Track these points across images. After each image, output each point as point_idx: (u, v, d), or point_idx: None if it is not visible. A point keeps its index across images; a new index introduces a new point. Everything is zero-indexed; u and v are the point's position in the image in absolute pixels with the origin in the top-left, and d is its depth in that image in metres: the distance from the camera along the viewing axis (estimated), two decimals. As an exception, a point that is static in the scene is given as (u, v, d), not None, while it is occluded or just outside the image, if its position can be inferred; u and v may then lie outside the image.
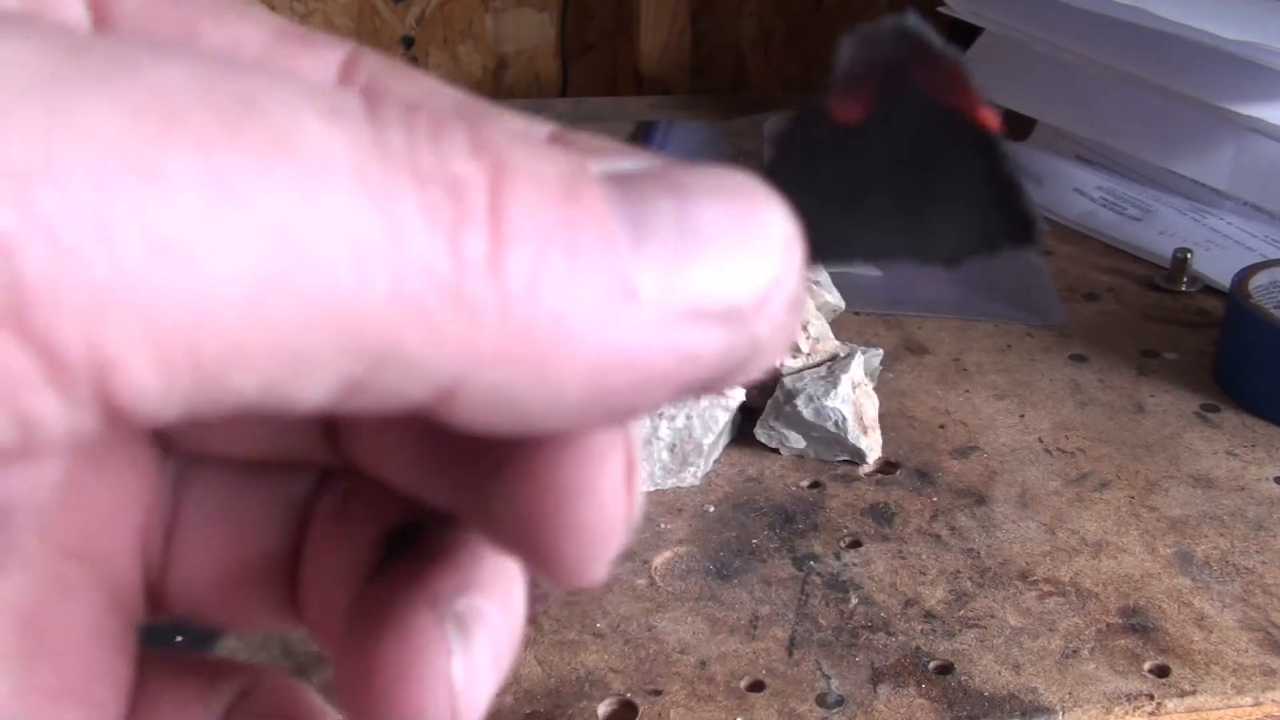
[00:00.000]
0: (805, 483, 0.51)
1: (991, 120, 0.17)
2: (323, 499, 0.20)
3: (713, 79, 1.12)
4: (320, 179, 0.12)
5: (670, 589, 0.45)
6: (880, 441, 0.53)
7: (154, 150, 0.11)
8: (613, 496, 0.16)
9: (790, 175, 0.17)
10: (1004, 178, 0.17)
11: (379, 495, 0.19)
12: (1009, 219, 0.17)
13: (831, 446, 0.52)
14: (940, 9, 0.83)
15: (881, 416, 0.53)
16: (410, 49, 1.06)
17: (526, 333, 0.13)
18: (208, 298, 0.11)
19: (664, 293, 0.14)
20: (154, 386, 0.11)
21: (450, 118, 0.14)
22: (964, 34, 0.86)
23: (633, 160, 0.15)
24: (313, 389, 0.13)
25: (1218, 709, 0.40)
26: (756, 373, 0.15)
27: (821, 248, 0.16)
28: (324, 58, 0.17)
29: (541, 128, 0.17)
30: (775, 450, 0.53)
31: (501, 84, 1.09)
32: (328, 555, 0.19)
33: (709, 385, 0.15)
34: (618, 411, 0.14)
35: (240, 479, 0.20)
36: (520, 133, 0.15)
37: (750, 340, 0.14)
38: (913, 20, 0.17)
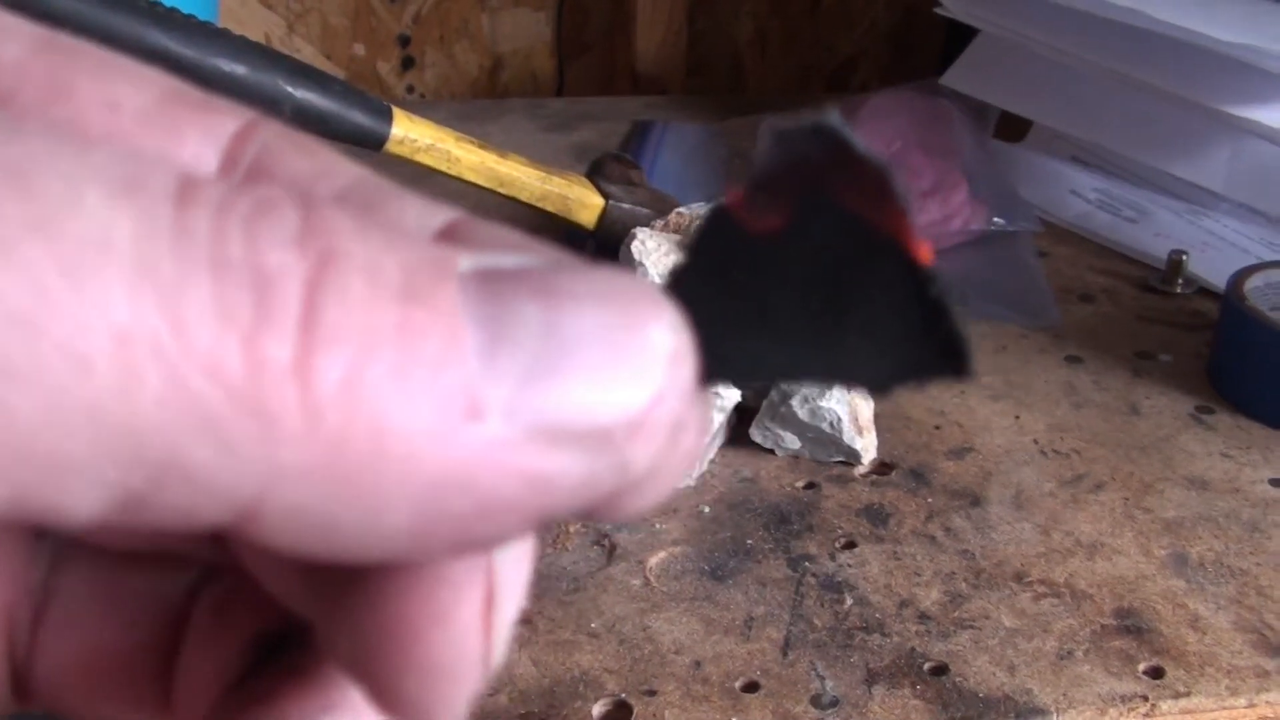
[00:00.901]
0: (800, 483, 0.51)
1: (920, 247, 0.15)
2: (203, 596, 0.18)
3: (709, 79, 1.12)
4: (88, 263, 0.11)
5: (665, 589, 0.45)
6: (875, 442, 0.53)
7: None
8: (466, 633, 0.14)
9: (696, 285, 0.15)
10: (932, 304, 0.15)
11: (259, 598, 0.18)
12: (938, 347, 0.16)
13: (827, 447, 0.52)
14: (936, 10, 0.83)
15: (877, 417, 0.53)
16: (406, 48, 1.06)
17: (339, 447, 0.12)
18: None
19: (514, 410, 0.12)
20: None
21: (283, 200, 0.12)
22: (960, 35, 0.86)
23: (518, 257, 0.13)
24: (79, 501, 0.11)
25: (1212, 710, 0.40)
26: (641, 503, 0.14)
27: (725, 364, 0.15)
28: (214, 126, 0.16)
29: (439, 215, 0.15)
30: (770, 451, 0.53)
31: (497, 83, 1.09)
32: (199, 656, 0.18)
33: (575, 515, 0.13)
34: (457, 541, 0.13)
35: (118, 569, 0.18)
36: (386, 221, 0.13)
37: (619, 466, 0.13)
38: (835, 119, 0.15)
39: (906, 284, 0.15)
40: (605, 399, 0.13)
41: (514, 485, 0.12)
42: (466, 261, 0.13)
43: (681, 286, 0.15)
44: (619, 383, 0.13)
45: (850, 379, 0.16)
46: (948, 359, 0.16)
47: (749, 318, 0.15)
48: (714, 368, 0.15)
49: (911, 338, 0.15)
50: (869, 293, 0.15)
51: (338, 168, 0.16)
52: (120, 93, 0.15)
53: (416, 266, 0.12)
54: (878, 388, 0.16)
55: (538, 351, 0.12)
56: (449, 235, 0.15)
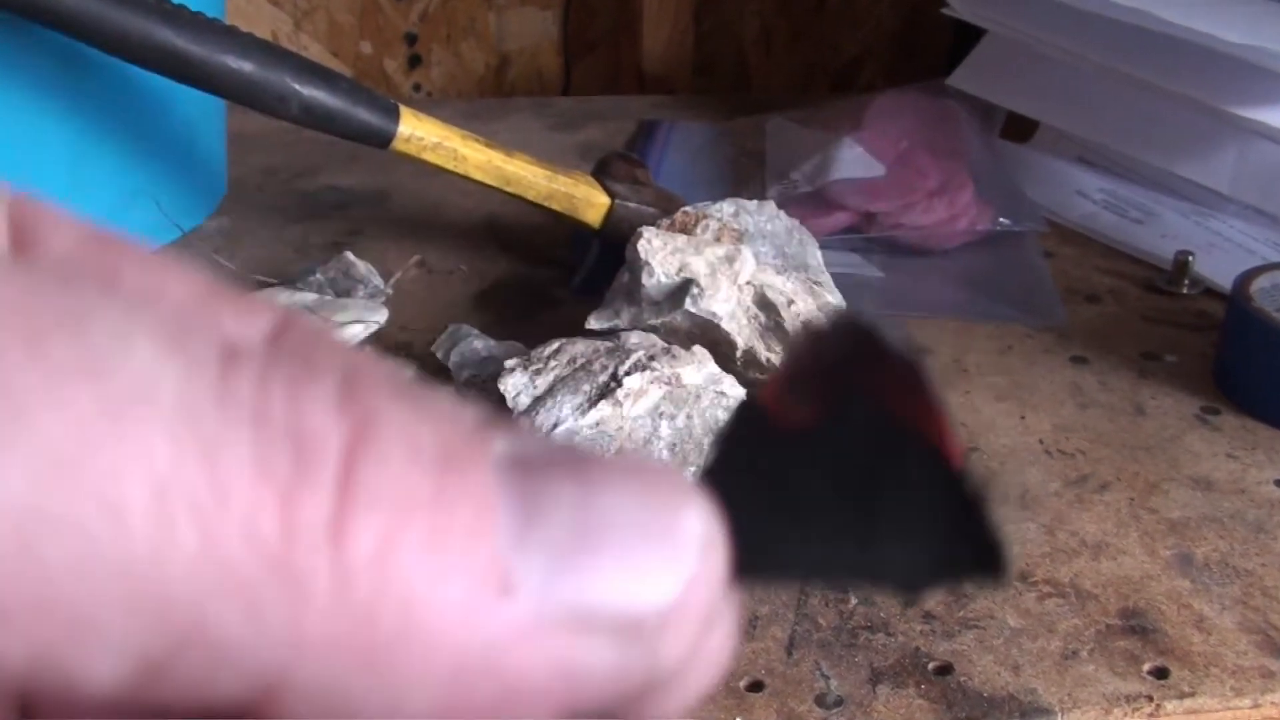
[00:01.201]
0: (805, 483, 0.51)
1: (954, 447, 0.15)
2: None
3: (715, 78, 1.12)
4: (132, 411, 0.11)
5: (670, 588, 0.45)
6: (881, 442, 0.53)
7: None
8: None
9: (727, 478, 0.15)
10: (967, 505, 0.15)
11: None
12: (972, 549, 0.15)
13: (832, 446, 0.52)
14: (944, 10, 0.83)
15: (882, 417, 0.53)
16: (413, 46, 1.06)
17: (367, 618, 0.11)
18: None
19: (546, 592, 0.12)
20: None
21: (325, 367, 0.12)
22: (967, 35, 0.86)
23: (550, 444, 0.13)
24: (98, 666, 0.11)
25: (1217, 711, 0.40)
26: (668, 704, 0.13)
27: (756, 561, 0.15)
28: (250, 321, 0.15)
29: (470, 410, 0.15)
30: (775, 450, 0.53)
31: (504, 82, 1.09)
32: None
33: (596, 711, 0.13)
34: None
35: None
36: (418, 399, 0.13)
37: (650, 662, 0.12)
38: (868, 316, 0.15)
39: (941, 484, 0.15)
40: (638, 585, 0.12)
41: (541, 672, 0.12)
42: (502, 443, 0.13)
43: (712, 478, 0.15)
44: (652, 569, 0.12)
45: (881, 580, 0.15)
46: (982, 562, 0.15)
47: (779, 513, 0.15)
48: (745, 563, 0.14)
49: (945, 539, 0.15)
50: (902, 492, 0.15)
51: (370, 363, 0.16)
52: (164, 282, 0.15)
53: (452, 439, 0.12)
54: (909, 590, 0.15)
55: (571, 532, 0.12)
56: (478, 424, 0.15)
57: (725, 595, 0.14)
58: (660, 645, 0.13)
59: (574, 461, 0.13)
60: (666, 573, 0.13)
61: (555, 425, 0.48)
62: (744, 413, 0.16)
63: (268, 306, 0.16)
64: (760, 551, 0.15)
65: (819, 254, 0.61)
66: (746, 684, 0.40)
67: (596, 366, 0.49)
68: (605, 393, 0.48)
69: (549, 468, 0.13)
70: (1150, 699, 0.40)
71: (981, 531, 0.15)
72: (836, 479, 0.15)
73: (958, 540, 0.15)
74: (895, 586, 0.15)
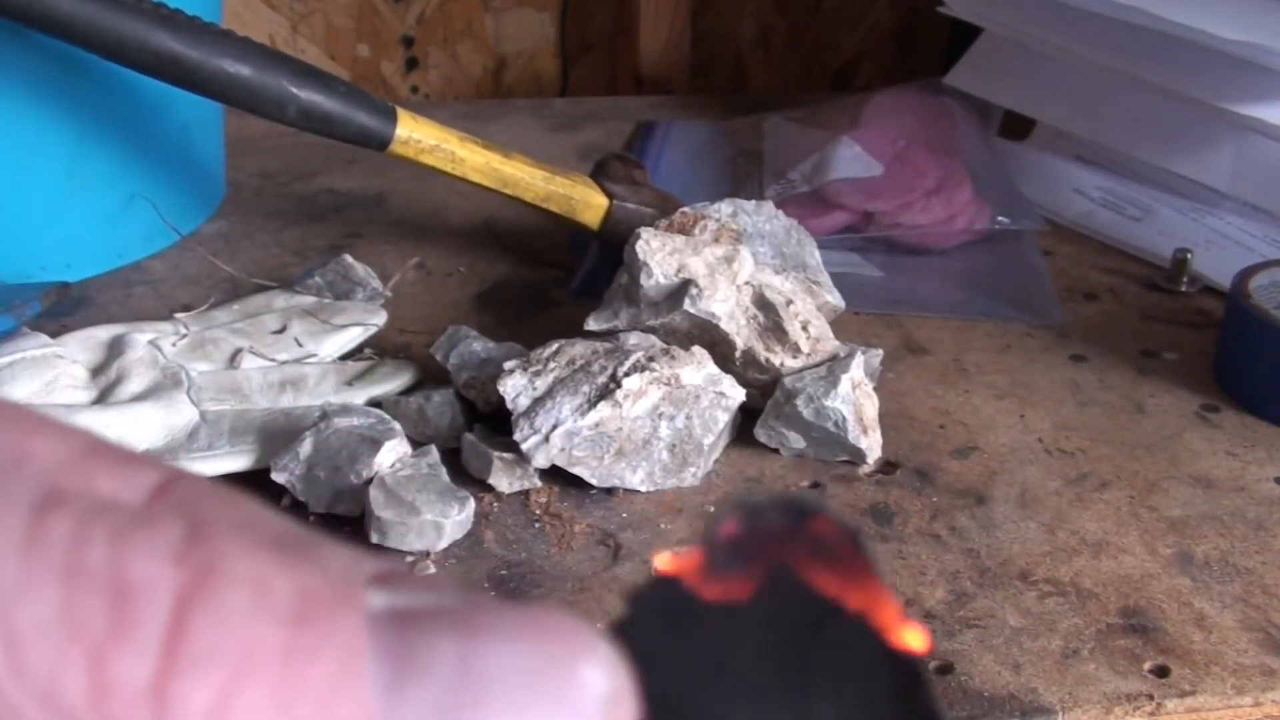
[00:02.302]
0: (805, 483, 0.51)
1: (894, 622, 0.15)
2: None
3: (713, 79, 1.12)
4: None
5: (670, 589, 0.45)
6: (880, 441, 0.53)
7: None
8: None
9: (643, 634, 0.14)
10: (906, 677, 0.15)
11: None
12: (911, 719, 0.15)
13: (831, 446, 0.52)
14: (940, 9, 0.83)
15: (881, 416, 0.53)
16: (410, 49, 1.06)
17: None
18: None
19: None
20: None
21: (171, 518, 0.11)
22: (964, 34, 0.86)
23: (440, 597, 0.12)
24: None
25: (1218, 709, 0.40)
26: None
27: (674, 718, 0.14)
28: (132, 479, 0.14)
29: (368, 566, 0.13)
30: (775, 450, 0.53)
31: (501, 84, 1.09)
32: None
33: None
34: None
35: None
36: (292, 548, 0.12)
37: None
38: (813, 500, 0.15)
39: (876, 660, 0.15)
40: None
41: None
42: (380, 599, 0.12)
43: (626, 633, 0.14)
44: None
45: None
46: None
47: (704, 671, 0.14)
48: None
49: (885, 714, 0.15)
50: (836, 667, 0.15)
51: (265, 521, 0.14)
52: (34, 446, 0.14)
53: (316, 591, 0.11)
54: None
55: (453, 688, 0.11)
56: (383, 581, 0.14)
57: None
58: None
59: (460, 612, 0.12)
60: None
61: (555, 426, 0.48)
62: (663, 582, 0.15)
63: (154, 465, 0.15)
64: (680, 709, 0.14)
65: (817, 253, 0.61)
66: (747, 685, 0.40)
67: (596, 368, 0.49)
68: (605, 394, 0.48)
69: (431, 619, 0.12)
70: (1151, 698, 0.40)
71: (920, 705, 0.15)
72: (766, 651, 0.15)
73: (896, 711, 0.15)
74: None
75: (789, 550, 0.15)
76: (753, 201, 0.61)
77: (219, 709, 0.10)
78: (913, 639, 0.15)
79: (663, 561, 0.15)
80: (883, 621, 0.15)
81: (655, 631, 0.15)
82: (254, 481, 0.48)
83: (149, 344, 0.55)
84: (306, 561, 0.12)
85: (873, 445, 0.52)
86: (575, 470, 0.49)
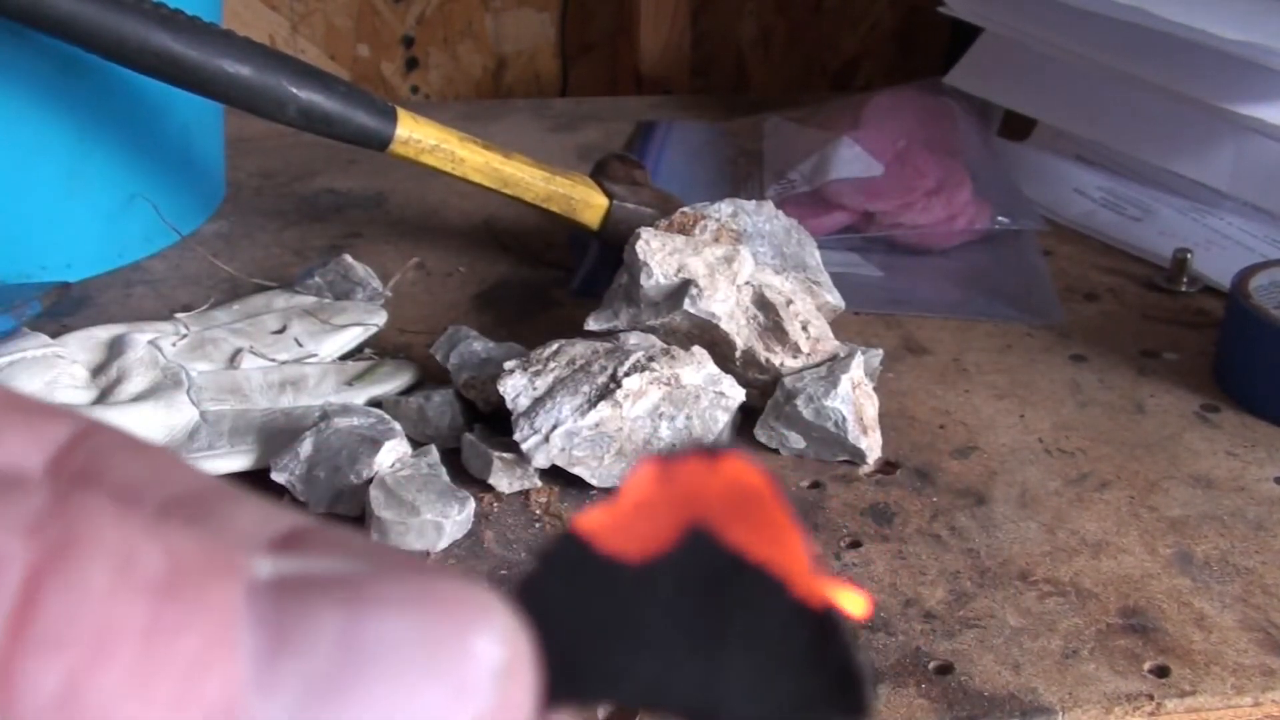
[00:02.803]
0: (805, 483, 0.51)
1: (812, 578, 0.14)
2: None
3: (713, 79, 1.12)
4: None
5: (670, 589, 0.45)
6: (880, 441, 0.53)
7: None
8: None
9: (547, 594, 0.14)
10: (825, 634, 0.14)
11: None
12: (830, 680, 0.14)
13: (831, 446, 0.52)
14: (941, 9, 0.83)
15: (881, 416, 0.53)
16: (410, 49, 1.06)
17: None
18: None
19: None
20: None
21: (30, 484, 0.11)
22: (964, 34, 0.86)
23: (338, 563, 0.12)
24: None
25: (1218, 709, 0.40)
26: None
27: (580, 681, 0.13)
28: (43, 432, 0.14)
29: (279, 522, 0.13)
30: (775, 450, 0.53)
31: (501, 84, 1.09)
32: None
33: None
34: None
35: None
36: (211, 525, 0.12)
37: None
38: (725, 443, 0.14)
39: (793, 617, 0.14)
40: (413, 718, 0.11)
41: None
42: (268, 565, 0.11)
43: (529, 595, 0.14)
44: (433, 704, 0.11)
45: (727, 708, 0.14)
46: (840, 694, 0.14)
47: (611, 630, 0.14)
48: (566, 685, 0.13)
49: (800, 669, 0.14)
50: (753, 619, 0.14)
51: (175, 473, 0.14)
52: None
53: (190, 560, 0.11)
54: (759, 718, 0.14)
55: (330, 663, 0.11)
56: (287, 544, 0.13)
57: None
58: None
59: (351, 581, 0.11)
60: (450, 705, 0.11)
61: (555, 426, 0.48)
62: (569, 540, 0.14)
63: (65, 417, 0.14)
64: (587, 671, 0.14)
65: (817, 253, 0.61)
66: (747, 685, 0.40)
67: (596, 368, 0.49)
68: (605, 394, 0.48)
69: (318, 590, 0.11)
70: (1151, 697, 0.40)
71: (841, 662, 0.14)
72: (677, 609, 0.14)
73: (815, 670, 0.14)
74: (741, 714, 0.14)
75: (702, 499, 0.14)
76: (753, 201, 0.61)
77: (70, 691, 0.10)
78: (828, 589, 0.14)
79: (576, 518, 0.14)
80: (794, 574, 0.14)
81: (563, 591, 0.14)
82: (254, 481, 0.48)
83: (149, 344, 0.55)
84: (192, 525, 0.12)
85: (873, 445, 0.52)
86: (575, 470, 0.49)
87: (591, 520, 0.14)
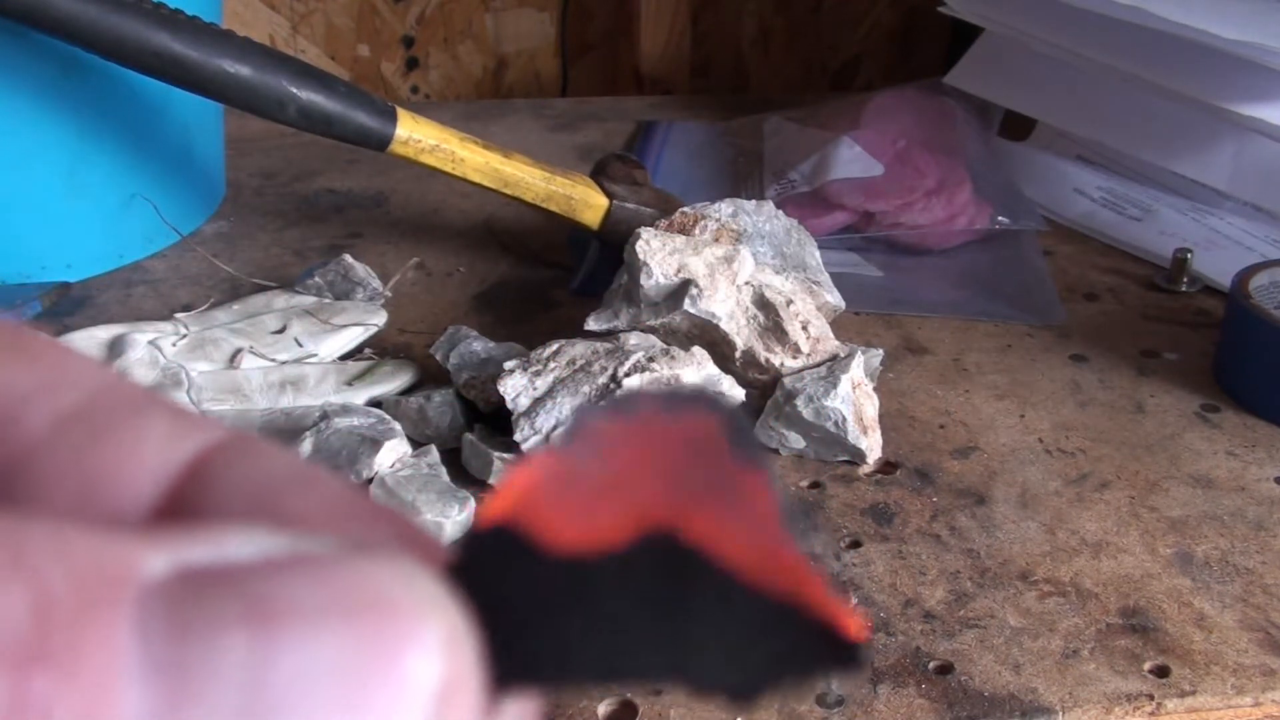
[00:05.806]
0: (805, 483, 0.51)
1: (792, 564, 0.13)
2: None
3: (713, 79, 1.12)
4: None
5: (670, 589, 0.45)
6: (880, 441, 0.53)
7: None
8: None
9: (489, 572, 0.12)
10: (799, 607, 0.13)
11: None
12: (816, 638, 0.13)
13: (831, 446, 0.52)
14: (941, 9, 0.83)
15: (881, 416, 0.53)
16: (410, 49, 1.06)
17: None
18: None
19: None
20: None
21: None
22: (964, 34, 0.86)
23: (244, 540, 0.10)
24: None
25: (1218, 709, 0.40)
26: None
27: (532, 667, 0.12)
28: (168, 452, 0.12)
29: (191, 439, 0.11)
30: (775, 450, 0.53)
31: (501, 84, 1.09)
32: None
33: None
34: None
35: None
36: (107, 456, 0.10)
37: None
38: (694, 392, 0.12)
39: (769, 616, 0.13)
40: None
41: None
42: (160, 559, 0.09)
43: (466, 578, 0.12)
44: None
45: (702, 682, 0.13)
46: (829, 646, 0.13)
47: (559, 607, 0.12)
48: (515, 672, 0.12)
49: (777, 633, 0.13)
50: (708, 583, 0.13)
51: (70, 378, 0.12)
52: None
53: (63, 592, 0.09)
54: (739, 695, 0.13)
55: (237, 699, 0.09)
56: (197, 470, 0.12)
57: None
58: None
59: (259, 584, 0.09)
60: None
61: (555, 426, 0.48)
62: (494, 534, 0.13)
63: (207, 425, 0.13)
64: (538, 653, 0.12)
65: (818, 253, 0.61)
66: (747, 685, 0.40)
67: (596, 368, 0.49)
68: (605, 394, 0.48)
69: (220, 602, 0.09)
70: (1151, 697, 0.40)
71: (810, 620, 0.13)
72: (639, 603, 0.13)
73: (794, 631, 0.13)
74: (720, 690, 0.13)
75: (661, 475, 0.13)
76: (753, 201, 0.61)
77: None
78: (792, 554, 0.13)
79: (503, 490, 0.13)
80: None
81: (501, 569, 0.12)
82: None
83: (149, 344, 0.55)
84: (72, 516, 0.10)
85: (873, 445, 0.52)
86: (575, 470, 0.49)
87: (519, 495, 0.13)
